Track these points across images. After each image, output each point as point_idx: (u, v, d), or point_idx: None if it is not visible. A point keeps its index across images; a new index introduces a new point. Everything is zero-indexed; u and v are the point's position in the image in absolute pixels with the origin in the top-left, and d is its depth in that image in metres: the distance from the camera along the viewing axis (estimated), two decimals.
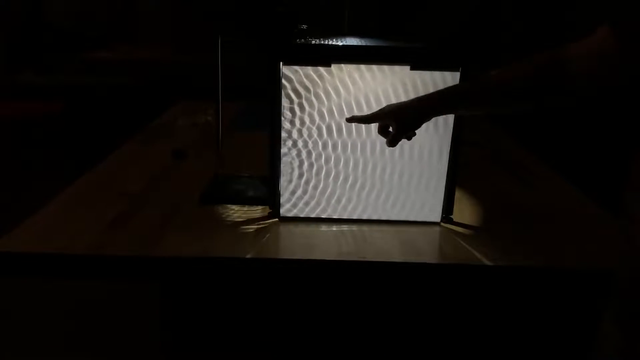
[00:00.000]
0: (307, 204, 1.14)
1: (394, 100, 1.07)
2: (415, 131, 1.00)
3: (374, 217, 1.15)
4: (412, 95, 1.07)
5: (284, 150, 1.11)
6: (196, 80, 2.31)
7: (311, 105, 1.08)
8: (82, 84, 3.66)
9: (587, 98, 0.77)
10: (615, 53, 0.70)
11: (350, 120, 1.06)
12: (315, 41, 1.09)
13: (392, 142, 1.00)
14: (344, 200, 1.14)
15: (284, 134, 1.09)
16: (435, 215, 1.16)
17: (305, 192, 1.13)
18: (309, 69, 1.06)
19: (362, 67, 1.06)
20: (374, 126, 1.06)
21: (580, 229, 1.17)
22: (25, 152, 3.54)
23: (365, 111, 1.07)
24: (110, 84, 3.62)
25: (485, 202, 1.28)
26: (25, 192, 2.91)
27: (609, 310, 0.75)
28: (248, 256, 0.99)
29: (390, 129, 1.00)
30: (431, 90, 1.06)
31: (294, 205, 1.14)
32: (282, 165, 1.12)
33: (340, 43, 1.08)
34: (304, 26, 1.15)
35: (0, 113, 3.47)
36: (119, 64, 3.72)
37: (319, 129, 1.10)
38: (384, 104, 1.07)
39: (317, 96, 1.07)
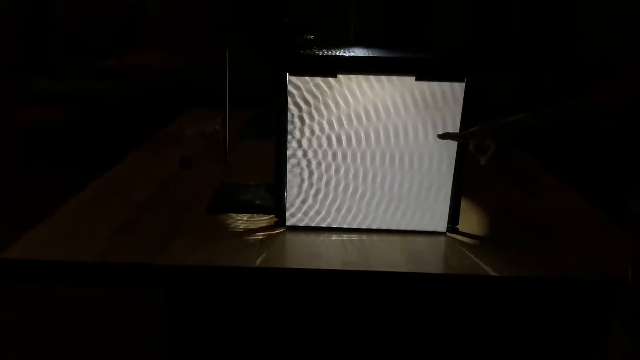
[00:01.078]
0: (313, 213, 1.15)
1: (397, 111, 1.07)
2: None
3: (379, 227, 1.15)
4: (416, 106, 1.07)
5: (290, 159, 1.11)
6: (205, 88, 2.32)
7: (319, 114, 1.09)
8: (91, 91, 3.70)
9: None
10: None
11: (443, 136, 1.06)
12: (322, 52, 1.09)
13: (489, 161, 1.00)
14: (349, 210, 1.14)
15: (289, 144, 1.10)
16: (441, 225, 1.15)
17: (311, 201, 1.14)
18: (316, 79, 1.06)
19: (369, 77, 1.06)
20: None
21: (587, 239, 1.17)
22: (34, 158, 3.58)
23: (371, 121, 1.08)
24: (119, 91, 3.66)
25: (492, 212, 1.28)
26: (33, 198, 2.94)
27: (617, 318, 0.74)
28: (253, 265, 1.00)
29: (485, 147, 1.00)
30: (437, 100, 1.07)
31: (300, 215, 1.15)
32: (288, 175, 1.12)
33: (346, 53, 1.09)
34: (311, 37, 1.16)
35: (10, 119, 3.51)
36: (128, 72, 3.76)
37: (327, 138, 1.10)
38: (390, 114, 1.08)
39: (324, 106, 1.08)
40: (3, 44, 3.86)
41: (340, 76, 1.06)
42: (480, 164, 1.02)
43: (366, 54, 1.11)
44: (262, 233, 1.13)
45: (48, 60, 3.87)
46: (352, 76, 1.06)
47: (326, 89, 1.07)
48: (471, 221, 1.21)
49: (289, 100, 1.07)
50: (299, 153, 1.11)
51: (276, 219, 1.17)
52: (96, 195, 1.29)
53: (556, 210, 1.32)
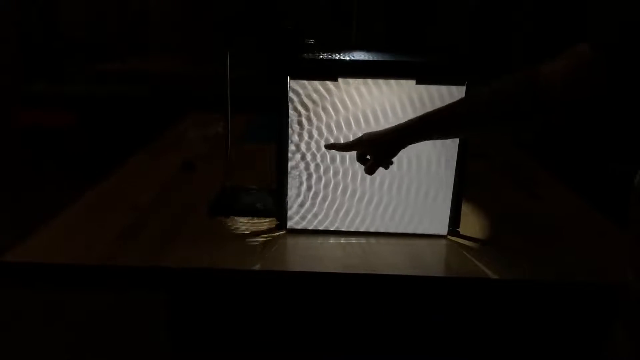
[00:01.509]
0: (314, 216, 1.15)
1: (400, 114, 1.08)
2: (392, 159, 1.01)
3: (381, 230, 1.16)
4: (418, 109, 1.07)
5: (291, 163, 1.12)
6: (207, 92, 2.33)
7: (318, 118, 1.09)
8: (94, 95, 3.72)
9: (557, 114, 0.77)
10: (587, 65, 0.70)
11: (330, 147, 1.07)
12: (322, 56, 1.10)
13: (369, 170, 1.01)
14: (350, 213, 1.15)
15: (291, 147, 1.11)
16: (442, 228, 1.16)
17: (312, 204, 1.14)
18: (316, 83, 1.07)
19: (369, 81, 1.07)
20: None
21: (589, 242, 1.17)
22: (38, 161, 3.59)
23: (372, 125, 1.08)
24: (122, 95, 3.67)
25: (493, 215, 1.28)
26: (37, 202, 2.95)
27: (618, 322, 0.75)
28: (255, 268, 1.00)
29: (368, 157, 1.01)
30: (437, 104, 1.07)
31: (301, 218, 1.15)
32: (289, 178, 1.13)
33: (347, 57, 1.10)
34: (311, 41, 1.17)
35: (14, 123, 3.53)
36: (130, 75, 3.77)
37: (327, 141, 1.10)
38: (390, 118, 1.08)
39: (324, 110, 1.09)
40: (7, 48, 3.89)
41: (340, 80, 1.06)
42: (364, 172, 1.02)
43: (366, 58, 1.11)
44: (263, 236, 1.13)
45: (51, 64, 3.89)
46: (352, 80, 1.07)
47: (327, 93, 1.07)
48: (472, 224, 1.21)
49: (290, 104, 1.08)
50: (300, 156, 1.12)
51: (277, 222, 1.17)
52: (99, 199, 1.30)
53: (557, 213, 1.33)
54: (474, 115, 0.87)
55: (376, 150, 0.99)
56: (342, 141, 1.10)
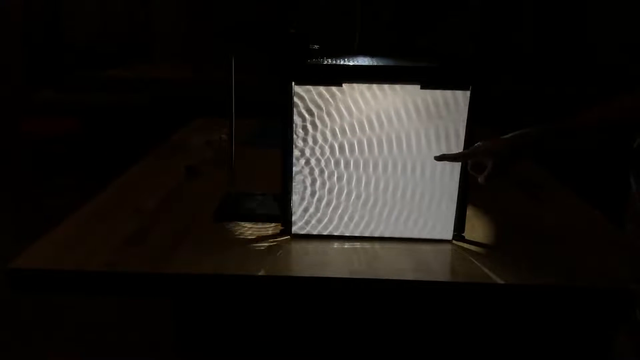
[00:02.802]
0: (318, 221, 1.15)
1: (402, 120, 1.08)
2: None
3: (386, 235, 1.16)
4: (421, 114, 1.08)
5: (296, 168, 1.12)
6: (211, 98, 2.34)
7: (323, 123, 1.09)
8: (100, 102, 3.74)
9: None
10: None
11: (440, 158, 1.06)
12: (327, 61, 1.10)
13: (487, 179, 0.99)
14: (355, 218, 1.15)
15: (296, 152, 1.11)
16: (447, 233, 1.15)
17: (317, 209, 1.14)
18: (321, 88, 1.07)
19: (373, 86, 1.07)
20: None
21: (593, 247, 1.16)
22: (44, 168, 3.61)
23: (376, 129, 1.08)
24: (127, 102, 3.69)
25: (497, 220, 1.27)
26: (43, 208, 2.97)
27: (623, 326, 0.74)
28: (260, 274, 1.00)
29: (486, 166, 1.00)
30: (442, 109, 1.07)
31: (306, 223, 1.15)
32: (294, 183, 1.13)
33: (351, 62, 1.10)
34: (316, 46, 1.17)
35: (21, 130, 3.56)
36: (135, 82, 3.80)
37: (331, 147, 1.11)
38: (394, 123, 1.08)
39: (329, 115, 1.09)
40: (13, 57, 3.92)
41: (345, 85, 1.07)
42: (478, 182, 1.01)
43: (371, 63, 1.11)
44: (268, 241, 1.13)
45: (57, 73, 3.92)
46: (357, 85, 1.07)
47: (331, 98, 1.08)
48: (477, 229, 1.21)
49: (294, 109, 1.08)
50: (304, 161, 1.12)
51: (282, 227, 1.17)
52: (104, 205, 1.31)
53: (562, 218, 1.32)
54: (606, 127, 0.91)
55: (498, 159, 0.97)
56: (348, 146, 1.10)
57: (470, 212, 1.18)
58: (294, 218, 1.15)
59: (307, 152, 1.11)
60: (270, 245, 1.11)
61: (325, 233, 1.16)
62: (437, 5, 3.33)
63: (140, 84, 3.76)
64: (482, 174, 1.00)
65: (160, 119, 2.91)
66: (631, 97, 0.84)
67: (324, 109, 1.08)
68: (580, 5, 3.30)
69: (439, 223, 1.15)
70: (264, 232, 1.17)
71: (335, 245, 1.13)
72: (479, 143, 1.01)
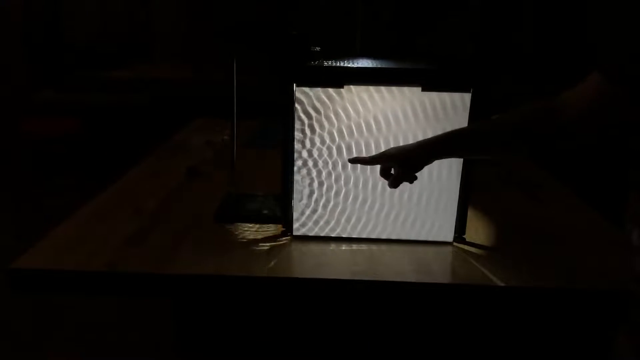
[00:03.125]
0: (319, 222, 1.15)
1: (405, 121, 1.08)
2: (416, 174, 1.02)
3: (386, 237, 1.16)
4: (422, 116, 1.08)
5: (296, 169, 1.12)
6: (212, 98, 2.35)
7: (325, 124, 1.09)
8: (100, 102, 3.74)
9: (578, 140, 0.80)
10: (603, 96, 0.72)
11: (353, 161, 1.08)
12: (328, 63, 1.10)
13: (393, 184, 1.02)
14: (356, 220, 1.15)
15: (296, 154, 1.11)
16: (448, 235, 1.15)
17: (317, 211, 1.14)
18: (321, 90, 1.07)
19: (374, 88, 1.07)
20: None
21: (594, 249, 1.16)
22: (44, 168, 3.61)
23: (377, 131, 1.09)
24: (128, 102, 3.69)
25: (498, 222, 1.27)
26: (44, 208, 2.97)
27: (623, 328, 0.74)
28: (260, 274, 1.00)
29: (392, 171, 1.02)
30: (442, 112, 1.07)
31: (307, 224, 1.15)
32: (294, 185, 1.13)
33: (352, 65, 1.10)
34: (317, 48, 1.17)
35: (21, 130, 3.56)
36: (136, 83, 3.80)
37: (331, 148, 1.11)
38: (395, 125, 1.08)
39: (331, 116, 1.09)
40: (13, 57, 3.92)
41: (346, 87, 1.07)
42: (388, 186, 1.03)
43: (371, 65, 1.11)
44: (269, 243, 1.13)
45: (57, 73, 3.92)
46: (357, 87, 1.07)
47: (332, 100, 1.08)
48: (478, 231, 1.21)
49: (295, 111, 1.08)
50: (305, 163, 1.12)
51: (283, 228, 1.17)
52: (105, 206, 1.31)
53: (563, 220, 1.32)
54: (498, 136, 0.90)
55: (401, 164, 0.99)
56: (349, 148, 1.10)
57: (470, 214, 1.18)
58: (294, 219, 1.15)
59: (307, 153, 1.11)
60: (271, 247, 1.11)
61: (325, 234, 1.16)
62: (437, 5, 3.34)
63: (140, 84, 3.77)
64: (388, 180, 1.02)
65: (160, 119, 2.91)
66: (553, 98, 0.81)
67: (324, 111, 1.08)
68: (580, 5, 3.30)
69: (439, 225, 1.15)
70: (264, 233, 1.17)
71: (336, 246, 1.13)
72: (389, 148, 1.04)
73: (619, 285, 0.96)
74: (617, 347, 0.75)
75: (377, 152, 1.06)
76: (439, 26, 3.20)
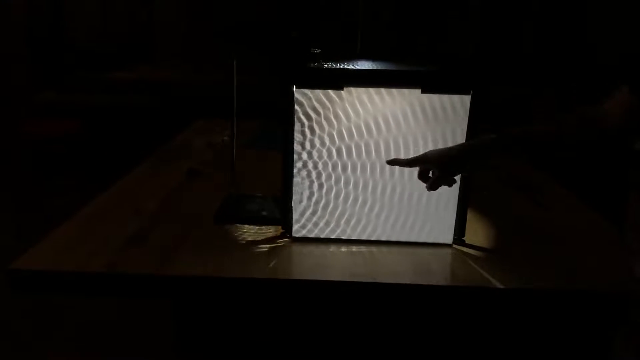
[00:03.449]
0: (319, 224, 1.15)
1: (403, 124, 1.08)
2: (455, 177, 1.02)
3: (386, 238, 1.16)
4: (422, 118, 1.08)
5: (296, 171, 1.12)
6: (212, 99, 2.35)
7: (324, 126, 1.10)
8: (102, 103, 3.74)
9: (616, 145, 0.88)
10: (634, 105, 0.81)
11: (392, 162, 1.07)
12: (328, 64, 1.10)
13: (432, 187, 1.01)
14: (355, 221, 1.15)
15: (296, 156, 1.11)
16: (447, 237, 1.16)
17: (317, 212, 1.15)
18: (321, 92, 1.07)
19: (374, 90, 1.07)
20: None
21: (593, 251, 1.16)
22: (45, 169, 3.62)
23: (377, 133, 1.09)
24: (129, 104, 3.70)
25: (498, 224, 1.28)
26: (44, 208, 2.97)
27: (622, 330, 0.75)
28: (260, 276, 1.00)
29: (431, 174, 1.02)
30: (443, 114, 1.07)
31: (306, 226, 1.15)
32: (294, 186, 1.13)
33: (352, 66, 1.10)
34: (317, 50, 1.18)
35: (22, 130, 3.56)
36: (136, 84, 3.80)
37: (331, 150, 1.11)
38: (395, 127, 1.09)
39: (331, 118, 1.09)
40: (16, 58, 3.92)
41: (346, 89, 1.07)
42: (426, 189, 1.03)
43: (371, 67, 1.11)
44: (268, 244, 1.13)
45: (60, 74, 3.93)
46: (358, 89, 1.07)
47: (332, 102, 1.08)
48: (477, 233, 1.21)
49: (295, 112, 1.08)
50: (305, 165, 1.12)
51: (282, 230, 1.17)
52: (105, 207, 1.31)
53: (563, 221, 1.32)
54: (544, 143, 0.94)
55: (443, 167, 0.99)
56: (349, 150, 1.10)
57: (470, 216, 1.18)
58: (294, 221, 1.15)
59: (307, 155, 1.11)
60: (271, 248, 1.11)
61: (325, 236, 1.16)
62: (437, 6, 3.34)
63: (141, 85, 3.77)
64: (427, 183, 1.03)
65: (161, 120, 2.91)
66: (591, 108, 0.87)
67: (324, 113, 1.08)
68: (580, 5, 3.30)
69: (439, 227, 1.15)
70: (264, 235, 1.17)
71: (336, 248, 1.13)
72: (429, 151, 1.04)
73: (618, 285, 0.96)
74: (617, 348, 0.75)
75: (381, 153, 1.05)
76: (439, 26, 3.21)
